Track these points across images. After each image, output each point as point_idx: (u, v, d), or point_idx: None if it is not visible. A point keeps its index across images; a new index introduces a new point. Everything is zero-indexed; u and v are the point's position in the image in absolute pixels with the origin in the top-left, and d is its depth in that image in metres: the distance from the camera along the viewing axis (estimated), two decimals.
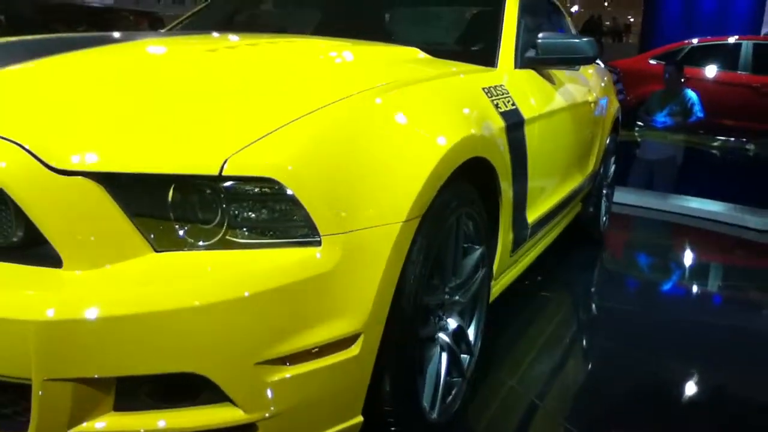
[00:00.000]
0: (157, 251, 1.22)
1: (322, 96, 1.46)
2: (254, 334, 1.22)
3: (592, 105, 3.42)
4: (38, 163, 1.18)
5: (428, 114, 1.68)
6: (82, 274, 1.18)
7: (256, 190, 1.25)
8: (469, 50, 2.55)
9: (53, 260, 1.19)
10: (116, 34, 2.35)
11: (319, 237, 1.27)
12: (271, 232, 1.27)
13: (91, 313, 1.12)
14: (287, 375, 1.25)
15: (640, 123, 7.68)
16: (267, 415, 1.25)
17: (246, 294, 1.19)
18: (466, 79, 2.11)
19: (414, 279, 1.50)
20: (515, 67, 2.45)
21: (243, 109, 1.39)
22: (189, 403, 1.23)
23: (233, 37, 2.38)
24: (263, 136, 1.27)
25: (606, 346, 2.74)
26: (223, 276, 1.20)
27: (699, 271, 4.19)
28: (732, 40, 9.08)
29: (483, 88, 2.07)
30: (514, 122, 2.13)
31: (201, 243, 1.24)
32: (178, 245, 1.23)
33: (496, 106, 2.06)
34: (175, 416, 1.22)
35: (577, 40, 2.49)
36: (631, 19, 20.30)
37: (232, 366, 1.21)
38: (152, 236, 1.22)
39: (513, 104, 2.19)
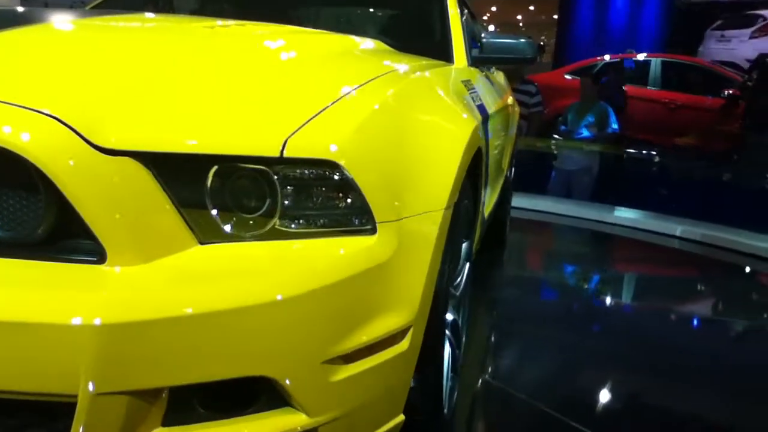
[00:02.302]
0: (202, 243, 1.08)
1: (351, 78, 1.40)
2: (320, 331, 1.10)
3: (510, 108, 3.55)
4: (81, 140, 1.01)
5: (444, 101, 1.69)
6: (130, 270, 1.02)
7: (315, 173, 1.13)
8: (423, 46, 2.47)
9: (87, 255, 1.03)
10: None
11: (375, 225, 1.17)
12: (324, 220, 1.15)
13: (152, 315, 0.97)
14: (348, 374, 1.14)
15: (556, 135, 7.84)
16: (329, 418, 1.14)
17: (312, 288, 1.07)
18: (448, 71, 2.10)
19: (446, 270, 1.43)
20: (468, 64, 2.48)
21: (282, 88, 1.28)
22: (246, 412, 1.09)
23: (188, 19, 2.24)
24: (315, 116, 1.16)
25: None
26: (284, 270, 1.08)
27: (598, 273, 4.24)
28: (641, 57, 9.46)
29: (461, 81, 2.09)
30: (485, 116, 2.18)
31: (248, 233, 1.11)
32: (225, 236, 1.10)
33: (473, 100, 2.08)
34: (234, 427, 1.08)
35: (520, 41, 2.57)
36: (545, 39, 21.03)
37: (300, 367, 1.09)
38: (197, 227, 1.08)
39: (480, 99, 2.24)
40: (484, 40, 2.55)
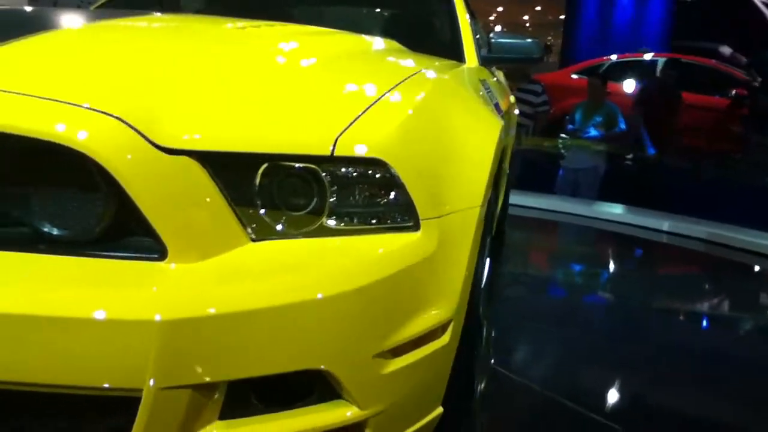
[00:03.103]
0: (254, 241, 1.10)
1: (385, 78, 1.43)
2: (372, 325, 1.13)
3: (512, 107, 3.63)
4: (143, 140, 1.03)
5: (472, 100, 1.74)
6: (189, 267, 1.05)
7: (363, 171, 1.16)
8: (433, 46, 2.50)
9: (146, 253, 1.05)
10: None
11: (419, 221, 1.20)
12: (370, 218, 1.18)
13: (217, 310, 1.00)
14: (395, 367, 1.17)
15: (563, 135, 7.86)
16: (378, 410, 1.16)
17: (366, 283, 1.10)
18: (466, 70, 2.12)
19: (480, 264, 1.46)
20: (478, 64, 2.49)
21: (322, 87, 1.33)
22: (300, 405, 1.12)
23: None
24: (360, 115, 1.19)
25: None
26: (337, 266, 1.11)
27: (603, 270, 4.26)
28: (648, 56, 9.45)
29: (479, 80, 2.13)
30: (500, 115, 2.20)
31: (298, 231, 1.14)
32: (275, 234, 1.13)
33: (490, 99, 2.13)
34: (289, 420, 1.10)
35: (527, 41, 2.61)
36: (551, 40, 20.98)
37: (353, 360, 1.12)
38: (249, 224, 1.11)
39: (495, 98, 2.30)
40: (492, 40, 2.59)
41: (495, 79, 2.78)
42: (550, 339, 2.86)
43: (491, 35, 2.63)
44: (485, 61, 2.63)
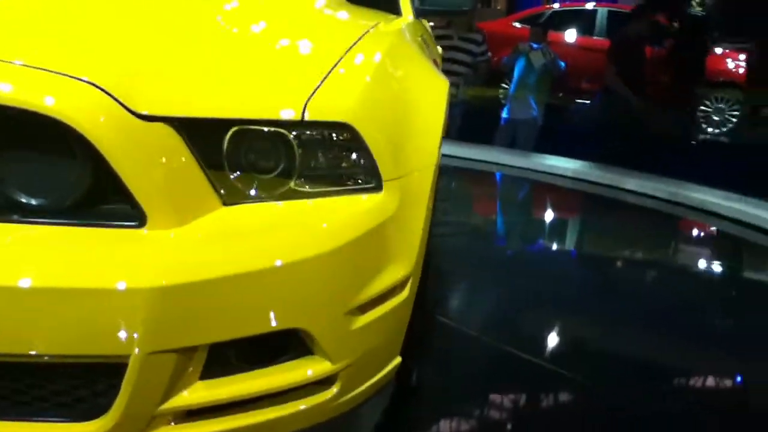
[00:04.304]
0: (225, 204, 1.13)
1: (341, 38, 1.46)
2: (344, 284, 1.18)
3: (439, 58, 3.64)
4: (120, 107, 1.04)
5: (420, 58, 1.78)
6: (168, 233, 1.06)
7: (329, 135, 1.19)
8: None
9: (124, 220, 1.07)
10: None
11: (381, 182, 1.24)
12: (336, 180, 1.22)
13: (202, 276, 1.02)
14: (362, 323, 1.22)
15: (503, 85, 7.91)
16: (348, 364, 1.21)
17: (339, 244, 1.14)
18: (410, 26, 2.12)
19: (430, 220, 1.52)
20: (413, 17, 2.47)
21: (282, 51, 1.36)
22: (276, 362, 1.16)
23: None
24: (324, 78, 1.22)
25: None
26: (311, 228, 1.15)
27: (548, 225, 4.40)
28: (590, 6, 9.52)
29: (419, 36, 2.17)
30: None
31: (267, 194, 1.16)
32: (246, 198, 1.15)
33: (430, 54, 2.20)
34: (266, 376, 1.15)
35: None
36: None
37: (328, 318, 1.17)
38: (221, 189, 1.13)
39: (432, 54, 2.40)
40: None
41: (429, 32, 2.79)
42: (487, 286, 2.99)
43: None
44: (417, 14, 2.63)
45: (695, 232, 4.60)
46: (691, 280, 3.51)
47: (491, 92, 8.12)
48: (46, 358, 1.02)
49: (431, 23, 3.98)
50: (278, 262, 1.08)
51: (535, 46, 5.91)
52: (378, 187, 1.24)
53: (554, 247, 3.97)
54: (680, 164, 5.35)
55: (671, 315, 2.80)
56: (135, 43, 1.22)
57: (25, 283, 0.97)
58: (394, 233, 1.27)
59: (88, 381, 1.07)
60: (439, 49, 3.74)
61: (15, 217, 1.06)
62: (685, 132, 7.54)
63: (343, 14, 1.94)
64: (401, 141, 1.34)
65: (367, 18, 1.86)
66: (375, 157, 1.22)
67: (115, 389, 1.04)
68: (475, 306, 2.79)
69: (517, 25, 9.15)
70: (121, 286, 0.98)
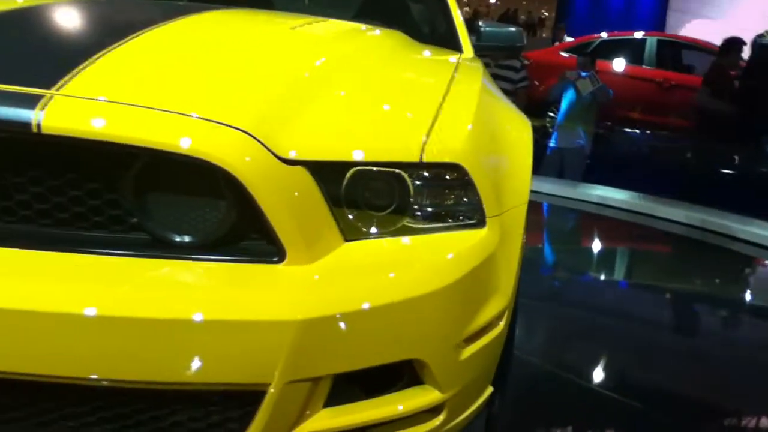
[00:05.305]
0: (347, 241, 1.21)
1: (436, 80, 1.58)
2: (457, 317, 1.25)
3: None
4: (267, 152, 1.13)
5: (501, 97, 1.87)
6: (306, 269, 1.15)
7: (443, 175, 1.28)
8: (430, 35, 2.59)
9: (263, 256, 1.15)
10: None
11: (485, 219, 1.31)
12: (445, 217, 1.29)
13: (338, 309, 1.10)
14: (467, 354, 1.28)
15: (551, 113, 7.87)
16: (454, 393, 1.27)
17: (455, 279, 1.21)
18: (480, 64, 2.18)
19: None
20: (473, 54, 2.53)
21: (394, 93, 1.47)
22: (391, 391, 1.23)
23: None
24: (434, 120, 1.32)
25: None
26: (430, 263, 1.22)
27: (598, 257, 4.33)
28: (639, 35, 9.44)
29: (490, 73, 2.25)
30: None
31: (382, 230, 1.24)
32: (365, 234, 1.23)
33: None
34: (383, 405, 1.21)
35: (512, 29, 2.72)
36: (545, 14, 20.80)
37: (442, 349, 1.23)
38: (343, 226, 1.21)
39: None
40: (482, 28, 2.66)
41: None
42: (546, 316, 3.00)
43: (480, 24, 2.70)
44: (477, 50, 2.66)
45: (749, 267, 4.47)
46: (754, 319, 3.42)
47: (538, 121, 8.09)
48: (194, 385, 1.08)
49: None
50: (403, 297, 1.15)
51: (583, 74, 5.88)
52: (482, 223, 1.31)
53: (602, 278, 3.92)
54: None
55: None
56: (264, 89, 1.31)
57: (176, 316, 1.04)
58: (495, 267, 1.34)
59: (223, 407, 1.14)
60: None
61: (164, 253, 1.14)
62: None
63: (426, 54, 2.05)
64: (500, 179, 1.42)
65: (445, 56, 1.96)
66: (480, 194, 1.29)
67: (248, 416, 1.11)
68: (527, 334, 2.79)
69: (565, 54, 9.11)
70: (271, 318, 1.06)
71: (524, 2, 26.37)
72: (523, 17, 20.70)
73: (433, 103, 1.40)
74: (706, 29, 11.04)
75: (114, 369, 1.06)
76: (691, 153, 6.59)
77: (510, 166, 1.52)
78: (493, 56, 5.37)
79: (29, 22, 1.55)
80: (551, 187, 5.48)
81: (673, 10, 12.15)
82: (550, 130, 6.87)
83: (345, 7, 2.97)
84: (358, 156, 1.21)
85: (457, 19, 2.63)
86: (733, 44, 6.24)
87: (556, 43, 11.04)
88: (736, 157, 6.55)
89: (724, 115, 5.87)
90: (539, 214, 5.33)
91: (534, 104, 6.88)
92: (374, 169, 1.22)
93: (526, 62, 8.37)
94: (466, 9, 22.57)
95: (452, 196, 1.30)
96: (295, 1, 2.88)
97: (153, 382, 1.07)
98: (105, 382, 1.07)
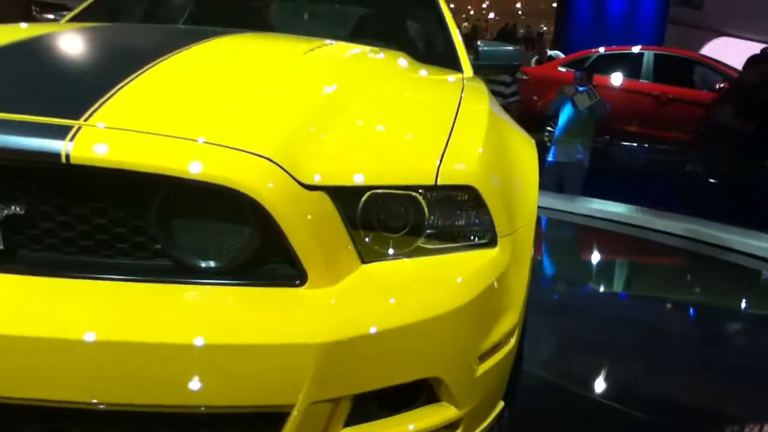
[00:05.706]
0: (364, 263, 1.24)
1: (445, 101, 1.64)
2: (473, 334, 1.28)
3: None
4: (291, 179, 1.16)
5: (505, 118, 1.89)
6: (327, 291, 1.18)
7: (456, 196, 1.32)
8: (429, 55, 2.61)
9: (286, 279, 1.18)
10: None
11: (496, 238, 1.34)
12: (458, 237, 1.33)
13: (360, 331, 1.13)
14: (481, 371, 1.31)
15: (549, 128, 7.89)
16: (470, 410, 1.30)
17: (472, 297, 1.24)
18: (484, 84, 2.22)
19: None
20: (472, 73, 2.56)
21: (406, 117, 1.51)
22: (410, 408, 1.26)
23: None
24: (447, 143, 1.35)
25: None
26: (448, 283, 1.25)
27: (598, 270, 4.34)
28: (636, 49, 9.48)
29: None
30: None
31: (398, 252, 1.27)
32: (381, 256, 1.26)
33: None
34: (401, 423, 1.24)
35: (510, 48, 2.73)
36: (544, 28, 20.90)
37: (459, 367, 1.27)
38: (360, 248, 1.24)
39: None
40: (480, 48, 2.69)
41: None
42: (546, 328, 3.02)
43: (479, 43, 2.74)
44: (474, 69, 2.69)
45: (741, 278, 4.48)
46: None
47: (537, 136, 8.10)
48: (220, 408, 1.11)
49: None
50: (422, 317, 1.18)
51: (580, 89, 5.92)
52: (493, 243, 1.35)
53: (601, 290, 3.93)
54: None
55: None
56: (284, 116, 1.34)
57: (201, 340, 1.06)
58: (507, 285, 1.37)
59: (245, 428, 1.17)
60: None
61: (187, 279, 1.16)
62: None
63: (431, 75, 2.09)
64: (510, 199, 1.45)
65: (449, 77, 2.01)
66: (493, 215, 1.33)
67: None
68: (529, 346, 2.79)
69: (562, 69, 9.15)
70: (295, 342, 1.09)
71: (523, 17, 26.51)
72: (522, 31, 20.79)
73: (445, 126, 1.43)
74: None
75: (142, 394, 1.08)
76: (690, 166, 6.60)
77: (519, 186, 1.56)
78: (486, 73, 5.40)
79: (52, 49, 1.58)
80: (550, 201, 5.50)
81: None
82: (549, 144, 6.91)
83: (342, 26, 3.02)
84: (376, 180, 1.24)
85: (456, 38, 2.67)
86: (759, 60, 6.13)
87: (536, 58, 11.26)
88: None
89: (745, 131, 5.76)
90: (538, 228, 5.35)
91: (532, 119, 6.90)
92: (388, 191, 1.25)
93: (524, 77, 8.44)
94: (465, 24, 22.69)
95: (464, 217, 1.33)
96: (293, 20, 2.92)
97: (180, 406, 1.10)
98: (136, 407, 1.09)
